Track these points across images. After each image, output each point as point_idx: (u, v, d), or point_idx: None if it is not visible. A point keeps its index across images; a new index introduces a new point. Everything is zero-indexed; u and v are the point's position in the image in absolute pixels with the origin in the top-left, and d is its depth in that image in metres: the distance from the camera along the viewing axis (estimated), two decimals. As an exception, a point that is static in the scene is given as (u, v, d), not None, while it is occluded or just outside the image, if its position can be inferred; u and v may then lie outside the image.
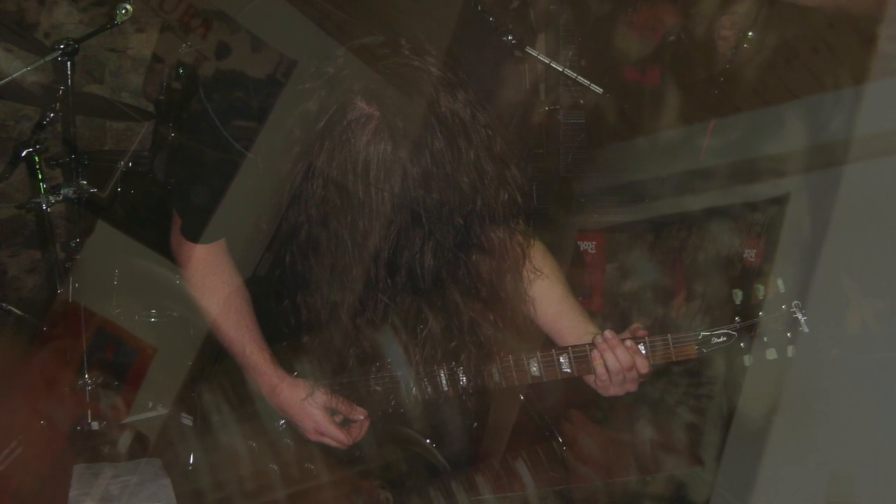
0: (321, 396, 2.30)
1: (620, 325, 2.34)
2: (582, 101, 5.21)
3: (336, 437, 2.31)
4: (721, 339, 2.20)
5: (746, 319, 2.19)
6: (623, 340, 2.25)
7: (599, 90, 4.11)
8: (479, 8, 3.66)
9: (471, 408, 2.44)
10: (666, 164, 4.44)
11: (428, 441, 2.41)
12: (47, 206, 4.25)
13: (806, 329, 2.15)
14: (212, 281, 2.37)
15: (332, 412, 2.33)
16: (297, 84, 2.11)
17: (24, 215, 5.29)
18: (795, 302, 2.16)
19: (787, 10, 3.59)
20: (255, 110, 2.28)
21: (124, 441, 4.08)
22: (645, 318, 4.51)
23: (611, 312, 4.86)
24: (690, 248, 4.39)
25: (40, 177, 4.29)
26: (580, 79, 4.06)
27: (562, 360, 2.29)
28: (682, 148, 4.34)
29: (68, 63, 4.13)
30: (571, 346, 2.30)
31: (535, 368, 2.30)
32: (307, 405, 2.30)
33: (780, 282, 2.18)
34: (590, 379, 2.33)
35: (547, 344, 2.46)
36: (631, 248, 4.85)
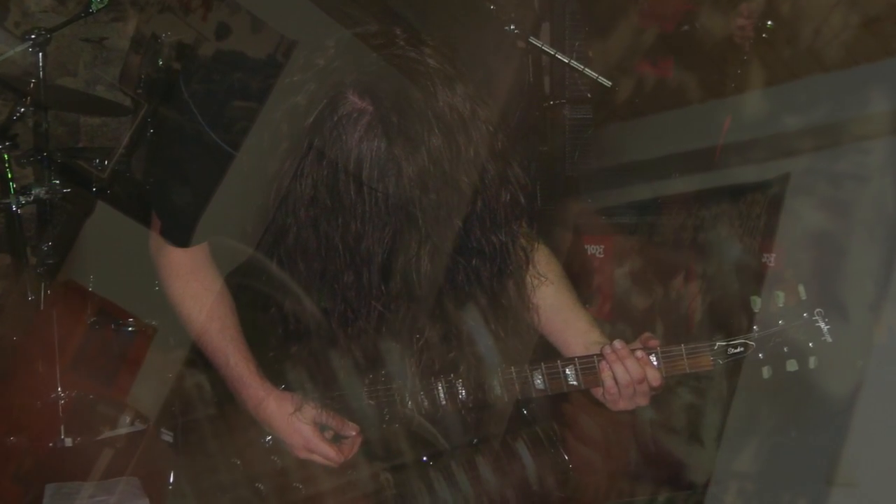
0: (310, 411, 2.30)
1: (631, 334, 2.34)
2: (589, 95, 5.22)
3: (326, 454, 2.31)
4: (738, 350, 2.20)
5: (765, 328, 2.19)
6: (633, 351, 2.25)
7: (608, 83, 4.11)
8: (480, -5, 3.66)
9: (470, 422, 2.44)
10: (677, 163, 4.46)
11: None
12: (17, 208, 4.26)
13: (829, 339, 2.15)
14: (193, 287, 2.37)
15: (323, 428, 2.33)
16: (285, 77, 2.11)
17: (-7, 217, 5.29)
18: (818, 310, 2.16)
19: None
20: (241, 104, 2.28)
21: (124, 421, 4.09)
22: (646, 298, 4.55)
23: (620, 320, 4.87)
24: (690, 229, 4.43)
25: (10, 176, 4.29)
26: (587, 71, 4.07)
27: (568, 371, 2.29)
28: (694, 144, 4.36)
29: (40, 54, 4.14)
30: (578, 357, 2.31)
31: (539, 381, 2.30)
32: (295, 420, 2.29)
33: (801, 288, 2.18)
34: (598, 392, 2.33)
35: (552, 354, 2.46)
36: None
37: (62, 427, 4.04)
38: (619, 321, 4.75)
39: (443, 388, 2.33)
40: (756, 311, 2.21)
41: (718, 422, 3.62)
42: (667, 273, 4.47)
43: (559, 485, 2.58)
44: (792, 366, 2.18)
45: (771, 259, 3.89)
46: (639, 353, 2.25)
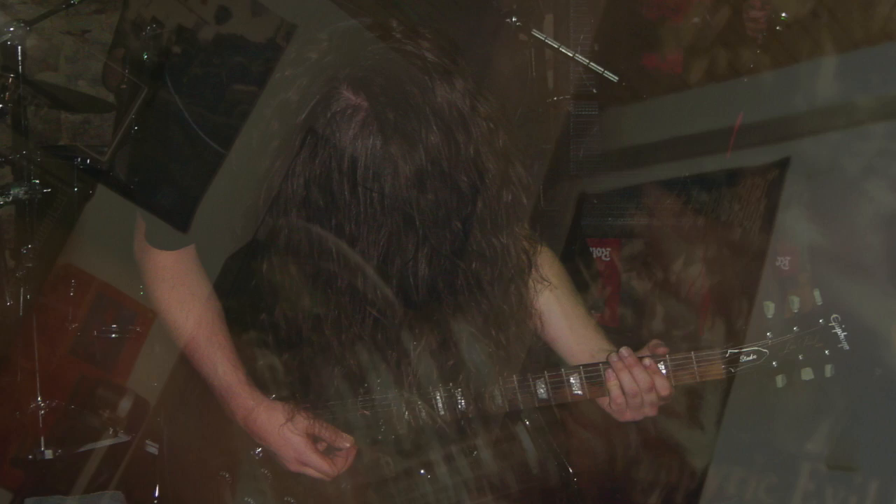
0: (302, 421, 2.30)
1: (638, 342, 2.33)
2: (595, 91, 5.22)
3: (319, 466, 2.30)
4: (751, 357, 2.20)
5: (779, 335, 2.19)
6: (641, 359, 2.25)
7: (615, 78, 4.12)
8: (480, -15, 3.67)
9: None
10: (688, 163, 4.47)
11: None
12: (-4, 208, 4.25)
13: (846, 346, 2.15)
14: (180, 292, 2.37)
15: (315, 439, 2.33)
16: (276, 72, 2.11)
17: (-31, 218, 5.29)
18: (834, 316, 2.16)
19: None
20: (230, 101, 2.28)
21: (124, 406, 4.09)
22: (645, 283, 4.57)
23: (627, 326, 4.87)
24: (690, 213, 4.44)
25: (-13, 175, 4.29)
26: (593, 65, 4.07)
27: (572, 380, 2.29)
28: (705, 145, 4.37)
29: (18, 48, 4.14)
30: (583, 366, 2.30)
31: (542, 390, 2.30)
32: (287, 431, 2.29)
33: (817, 293, 2.18)
34: (604, 402, 2.33)
35: (555, 362, 2.46)
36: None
37: (42, 439, 4.04)
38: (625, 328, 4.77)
39: (441, 397, 2.32)
40: (769, 316, 2.21)
41: (719, 408, 3.63)
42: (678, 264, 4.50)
43: (559, 469, 2.59)
44: (807, 374, 2.18)
45: (785, 262, 3.89)
46: (647, 361, 2.25)
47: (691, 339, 4.35)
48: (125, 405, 4.12)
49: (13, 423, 4.10)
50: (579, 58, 4.09)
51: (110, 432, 4.14)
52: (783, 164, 3.87)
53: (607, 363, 2.27)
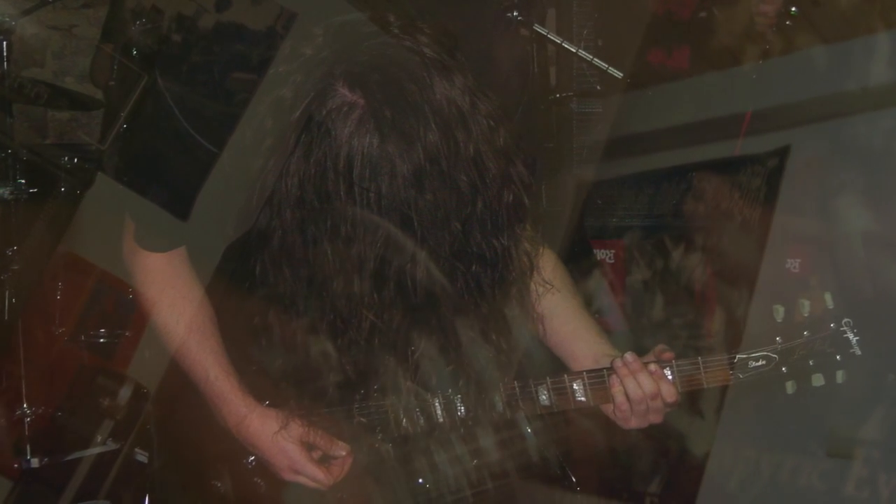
0: (297, 429, 2.30)
1: (643, 346, 2.33)
2: (599, 88, 5.22)
3: (314, 475, 2.30)
4: (760, 363, 2.19)
5: (788, 340, 2.18)
6: (646, 364, 2.25)
7: (619, 74, 4.12)
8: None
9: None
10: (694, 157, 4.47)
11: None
12: (-20, 210, 4.25)
13: (858, 351, 2.14)
14: (170, 295, 2.36)
15: (310, 447, 2.32)
16: (270, 68, 2.11)
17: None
18: (846, 320, 2.15)
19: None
20: (222, 97, 2.27)
21: (124, 394, 4.10)
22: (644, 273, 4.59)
23: (632, 331, 4.86)
24: (690, 202, 4.44)
25: (-29, 175, 4.29)
26: (597, 61, 4.08)
27: (575, 386, 2.29)
28: (712, 141, 4.37)
29: (3, 43, 4.14)
30: (586, 371, 2.30)
31: (544, 396, 2.30)
32: (280, 439, 2.29)
33: (828, 296, 2.17)
34: (608, 409, 2.33)
35: (558, 368, 2.45)
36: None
37: (28, 447, 4.04)
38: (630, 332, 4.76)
39: (440, 404, 2.32)
40: (779, 320, 2.20)
41: (719, 397, 3.65)
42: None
43: (559, 457, 2.59)
44: (818, 380, 2.17)
45: (796, 265, 3.89)
46: (652, 367, 2.24)
47: (697, 342, 4.35)
48: (125, 393, 4.12)
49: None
50: (583, 53, 4.09)
51: (98, 440, 4.14)
52: (783, 153, 3.87)
53: (611, 369, 2.27)
